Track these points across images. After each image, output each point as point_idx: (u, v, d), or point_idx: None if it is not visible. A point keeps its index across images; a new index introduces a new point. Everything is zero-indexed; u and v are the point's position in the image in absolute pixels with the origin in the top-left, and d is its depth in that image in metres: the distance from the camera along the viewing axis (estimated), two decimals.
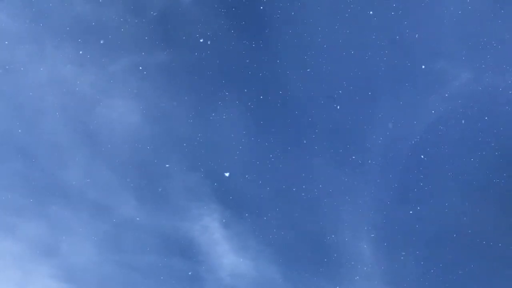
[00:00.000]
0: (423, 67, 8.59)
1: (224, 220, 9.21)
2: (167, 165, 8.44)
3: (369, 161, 8.91)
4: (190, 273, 9.29)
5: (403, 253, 8.99)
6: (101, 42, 8.56)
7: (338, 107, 8.75)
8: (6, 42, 8.48)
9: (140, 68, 8.68)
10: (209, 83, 8.76)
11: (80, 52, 8.59)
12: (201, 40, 8.63)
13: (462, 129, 8.62)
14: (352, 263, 9.07)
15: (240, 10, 8.61)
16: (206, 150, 8.96)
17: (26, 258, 9.18)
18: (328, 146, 8.92)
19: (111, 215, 9.17)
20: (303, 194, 9.04)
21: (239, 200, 9.14)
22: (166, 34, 8.64)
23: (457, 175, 8.73)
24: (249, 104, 8.86)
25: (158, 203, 9.14)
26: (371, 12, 8.49)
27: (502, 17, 8.24)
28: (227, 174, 8.08)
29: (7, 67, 8.56)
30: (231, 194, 9.11)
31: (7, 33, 8.47)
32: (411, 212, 8.89)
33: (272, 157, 8.97)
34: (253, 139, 8.93)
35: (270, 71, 8.76)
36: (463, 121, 8.61)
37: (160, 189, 9.06)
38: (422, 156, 8.80)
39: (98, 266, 9.31)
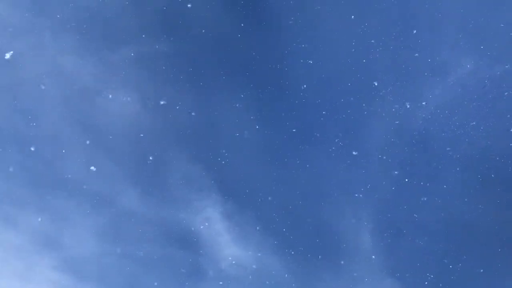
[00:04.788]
0: (424, 57, 8.58)
1: (225, 211, 9.23)
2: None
3: (371, 154, 8.93)
4: (191, 264, 9.31)
5: (404, 245, 9.06)
6: (100, 33, 8.50)
7: (340, 100, 8.75)
8: (6, 33, 8.40)
9: (141, 58, 8.64)
10: (211, 74, 8.74)
11: (81, 43, 8.53)
12: (203, 31, 8.59)
13: (464, 120, 8.64)
14: (354, 254, 9.13)
15: (245, 5, 8.56)
16: (207, 141, 8.96)
17: (27, 250, 9.17)
18: (330, 139, 8.93)
19: (112, 207, 9.16)
20: (305, 185, 9.07)
21: (241, 191, 9.16)
22: (168, 24, 8.59)
23: (459, 167, 8.76)
24: (251, 95, 8.85)
25: (159, 194, 9.14)
26: (372, 4, 8.47)
27: (504, 7, 8.23)
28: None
29: (6, 58, 8.49)
30: (233, 185, 9.13)
31: (7, 24, 8.39)
32: (412, 204, 8.94)
33: (274, 149, 8.98)
34: (255, 130, 8.94)
35: (272, 63, 8.74)
36: (464, 112, 8.62)
37: (161, 180, 9.06)
38: (424, 148, 8.82)
39: (99, 258, 9.32)
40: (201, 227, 9.25)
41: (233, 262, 9.38)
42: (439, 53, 8.55)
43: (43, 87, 8.63)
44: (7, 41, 8.43)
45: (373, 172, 9.00)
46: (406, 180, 8.94)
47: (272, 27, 8.71)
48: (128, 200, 9.15)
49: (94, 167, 8.94)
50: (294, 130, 8.94)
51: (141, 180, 9.08)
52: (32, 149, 8.80)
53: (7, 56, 8.12)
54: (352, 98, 8.82)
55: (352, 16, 8.55)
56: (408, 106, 8.74)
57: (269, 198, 9.17)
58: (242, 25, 8.63)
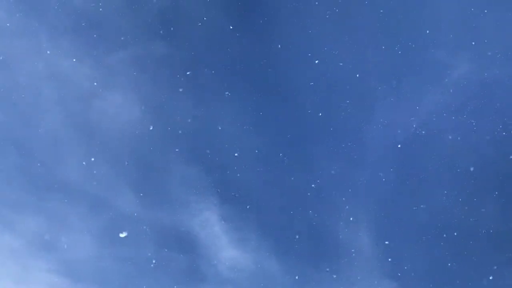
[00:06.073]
0: (423, 58, 8.59)
1: (223, 214, 9.21)
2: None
3: (369, 155, 8.93)
4: (189, 267, 9.29)
5: (402, 246, 9.03)
6: (97, 35, 8.51)
7: (337, 101, 8.75)
8: (2, 36, 8.40)
9: (138, 60, 8.64)
10: (209, 76, 8.74)
11: (77, 46, 8.53)
12: (200, 33, 8.60)
13: (461, 121, 8.63)
14: (352, 256, 9.10)
15: (242, 5, 8.58)
16: (205, 143, 8.94)
17: (24, 253, 9.15)
18: (329, 141, 8.92)
19: (110, 209, 9.15)
20: (302, 187, 9.05)
21: (239, 194, 9.14)
22: (164, 26, 8.59)
23: (457, 169, 8.75)
24: (249, 98, 8.86)
25: (157, 197, 9.13)
26: (370, 5, 8.49)
27: (502, 8, 8.24)
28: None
29: (3, 61, 8.49)
30: (231, 187, 9.11)
31: (3, 27, 8.40)
32: (410, 204, 8.93)
33: (272, 152, 8.97)
34: (253, 132, 8.93)
35: (270, 66, 8.75)
36: (462, 113, 8.63)
37: (158, 182, 9.05)
38: (422, 149, 8.82)
39: (97, 261, 9.30)
40: (199, 229, 9.24)
41: (231, 264, 9.36)
42: (436, 55, 8.56)
43: (39, 91, 8.64)
44: (3, 44, 8.44)
45: (371, 173, 9.00)
46: (404, 181, 8.93)
47: (270, 28, 8.72)
48: (126, 202, 9.14)
49: (91, 170, 8.93)
50: (292, 132, 8.95)
51: (139, 182, 9.08)
52: (29, 151, 8.81)
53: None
54: (349, 100, 8.82)
55: (350, 18, 8.57)
56: (406, 108, 8.74)
57: (267, 200, 9.17)
58: (240, 26, 8.64)
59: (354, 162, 8.96)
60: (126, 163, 8.92)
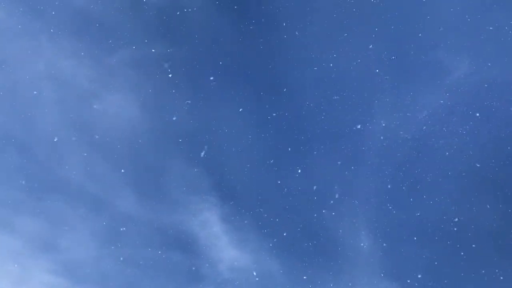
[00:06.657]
0: (422, 59, 8.60)
1: (223, 214, 9.20)
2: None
3: (368, 156, 8.92)
4: (189, 267, 9.27)
5: (402, 247, 9.02)
6: (97, 35, 8.51)
7: (336, 102, 8.75)
8: (2, 36, 8.41)
9: (138, 61, 8.64)
10: (208, 77, 8.74)
11: (77, 46, 8.53)
12: (200, 34, 8.61)
13: (460, 122, 8.63)
14: (352, 256, 9.08)
15: (242, 7, 8.59)
16: (205, 143, 8.94)
17: (24, 254, 9.13)
18: (327, 141, 8.92)
19: (109, 210, 9.13)
20: (302, 188, 9.04)
21: (239, 194, 9.13)
22: (165, 27, 8.61)
23: (455, 170, 8.74)
24: (249, 98, 8.86)
25: (157, 197, 9.12)
26: (370, 6, 8.50)
27: (502, 9, 8.25)
28: None
29: (3, 61, 8.50)
30: (230, 188, 9.10)
31: (2, 27, 8.40)
32: (410, 204, 8.91)
33: (272, 151, 8.97)
34: (253, 132, 8.93)
35: (271, 66, 8.75)
36: (462, 114, 8.62)
37: (158, 183, 9.03)
38: (420, 150, 8.81)
39: (97, 261, 9.27)
40: (199, 229, 9.23)
41: (231, 265, 9.34)
42: (436, 56, 8.57)
43: (39, 91, 8.64)
44: (3, 44, 8.45)
45: (371, 174, 8.99)
46: (404, 181, 8.92)
47: (270, 28, 8.73)
48: (126, 203, 9.13)
49: (91, 171, 8.92)
50: (292, 132, 8.94)
51: (139, 182, 9.06)
52: (29, 151, 8.80)
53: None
54: (348, 101, 8.82)
55: (349, 19, 8.58)
56: (405, 109, 8.74)
57: (267, 201, 9.15)
58: (240, 26, 8.65)
59: (354, 163, 8.96)
60: (126, 163, 8.92)
